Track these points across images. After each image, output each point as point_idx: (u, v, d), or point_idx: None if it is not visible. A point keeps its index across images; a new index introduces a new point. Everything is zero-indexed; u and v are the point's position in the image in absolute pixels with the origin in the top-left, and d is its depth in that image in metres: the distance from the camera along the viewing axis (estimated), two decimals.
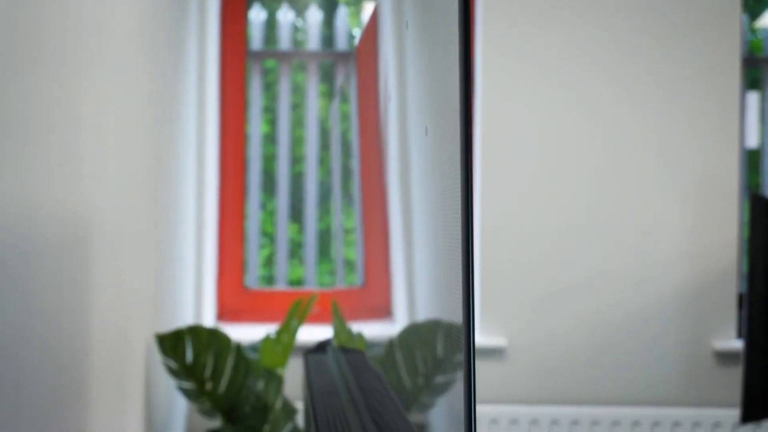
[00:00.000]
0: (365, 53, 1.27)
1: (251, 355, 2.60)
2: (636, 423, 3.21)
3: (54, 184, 1.36)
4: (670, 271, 3.26)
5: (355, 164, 1.61)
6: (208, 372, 2.46)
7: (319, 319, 2.94)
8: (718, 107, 3.27)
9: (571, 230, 3.28)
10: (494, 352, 3.26)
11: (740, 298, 3.21)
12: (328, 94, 3.52)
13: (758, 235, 2.79)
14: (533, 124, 3.28)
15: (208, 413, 2.53)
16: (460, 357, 0.51)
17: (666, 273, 3.26)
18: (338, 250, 3.47)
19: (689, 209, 3.25)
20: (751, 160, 3.52)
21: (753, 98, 3.46)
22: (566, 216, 3.28)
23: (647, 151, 3.28)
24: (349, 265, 3.55)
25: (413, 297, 1.10)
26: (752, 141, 3.46)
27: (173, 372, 2.44)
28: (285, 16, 3.52)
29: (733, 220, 3.24)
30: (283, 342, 2.68)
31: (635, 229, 3.27)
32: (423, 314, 0.91)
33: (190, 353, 2.43)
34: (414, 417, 0.85)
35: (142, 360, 2.27)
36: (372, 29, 1.19)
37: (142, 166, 2.27)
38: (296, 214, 3.54)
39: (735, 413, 3.08)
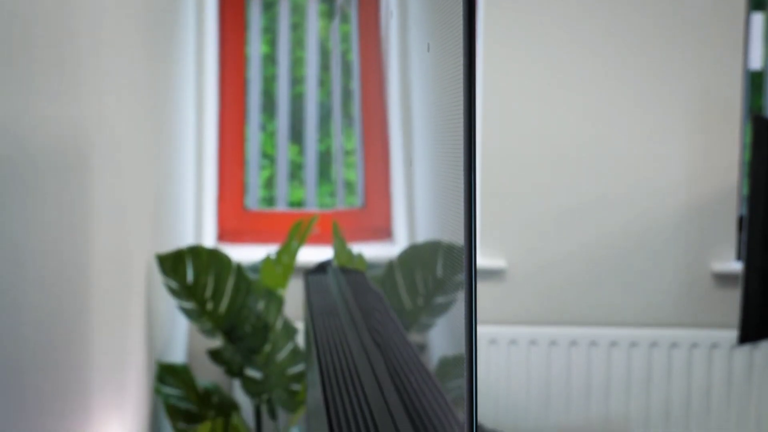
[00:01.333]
0: None
1: (251, 276, 2.61)
2: (633, 344, 3.23)
3: (53, 104, 1.35)
4: (670, 193, 3.26)
5: (356, 85, 1.60)
6: (208, 292, 2.47)
7: (319, 240, 2.95)
8: (721, 28, 3.24)
9: (571, 153, 3.27)
10: (493, 274, 3.28)
11: (740, 220, 3.22)
12: (328, 14, 3.48)
13: (760, 157, 2.78)
14: (537, 46, 3.25)
15: (208, 333, 2.55)
16: (460, 278, 0.51)
17: (666, 195, 3.26)
18: (338, 171, 3.47)
19: (690, 131, 3.24)
20: (754, 82, 3.49)
21: (758, 19, 3.42)
22: (567, 138, 3.27)
23: (649, 72, 3.26)
24: (349, 186, 3.55)
25: (413, 218, 1.10)
26: (756, 62, 3.43)
27: (174, 292, 2.46)
28: None
29: (735, 142, 3.23)
30: (284, 263, 2.69)
31: (636, 151, 3.26)
32: (423, 235, 0.91)
33: (190, 273, 2.44)
34: (413, 337, 0.86)
35: (143, 280, 2.28)
36: None
37: (141, 87, 2.25)
38: (296, 135, 3.53)
39: (732, 335, 3.10)
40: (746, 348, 3.19)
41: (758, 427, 3.23)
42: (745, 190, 2.99)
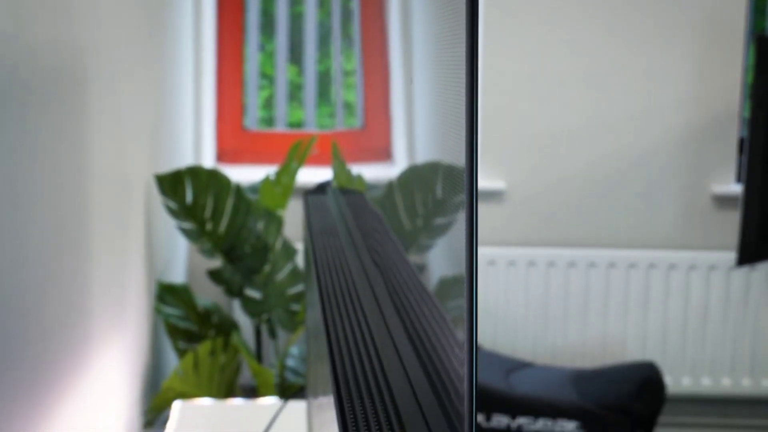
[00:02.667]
0: None
1: (251, 197, 2.61)
2: (632, 265, 3.25)
3: (50, 22, 1.33)
4: (671, 115, 3.24)
5: (355, 4, 1.58)
6: (208, 212, 2.47)
7: (318, 160, 2.94)
8: None
9: (572, 74, 3.24)
10: (493, 195, 3.28)
11: (740, 142, 3.21)
12: None
13: (763, 79, 2.76)
14: None
15: (208, 253, 2.56)
16: (460, 199, 0.51)
17: (667, 117, 3.24)
18: (338, 92, 3.45)
19: (693, 52, 3.21)
20: (758, 2, 3.45)
21: None
22: (568, 60, 3.24)
23: None
24: (349, 107, 3.53)
25: (413, 139, 1.09)
26: None
27: (173, 212, 2.46)
28: None
29: (737, 63, 3.20)
30: (283, 183, 2.69)
31: (637, 72, 3.24)
32: (423, 156, 0.91)
33: (189, 194, 2.44)
34: (413, 258, 0.86)
35: (142, 201, 2.28)
36: None
37: (139, 8, 2.22)
38: (296, 55, 3.50)
39: (731, 256, 3.12)
40: (744, 269, 3.21)
41: (754, 348, 3.26)
42: (746, 113, 2.97)
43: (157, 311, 2.44)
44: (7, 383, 1.10)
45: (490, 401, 2.75)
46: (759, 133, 2.73)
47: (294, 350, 2.64)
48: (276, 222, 2.56)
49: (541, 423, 2.73)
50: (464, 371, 0.41)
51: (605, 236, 3.29)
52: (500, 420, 2.75)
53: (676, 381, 3.26)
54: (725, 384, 3.28)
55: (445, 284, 0.56)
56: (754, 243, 2.76)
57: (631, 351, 3.27)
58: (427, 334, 0.57)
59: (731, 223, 3.06)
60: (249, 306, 2.64)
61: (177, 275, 2.90)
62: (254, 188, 2.82)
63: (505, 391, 2.79)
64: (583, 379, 2.88)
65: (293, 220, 2.96)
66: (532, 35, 3.24)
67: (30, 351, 1.20)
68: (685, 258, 3.25)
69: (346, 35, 3.35)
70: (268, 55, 3.49)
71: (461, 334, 0.42)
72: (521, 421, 2.74)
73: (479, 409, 2.92)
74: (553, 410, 2.73)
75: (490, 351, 3.10)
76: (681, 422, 3.33)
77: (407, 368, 0.60)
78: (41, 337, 1.26)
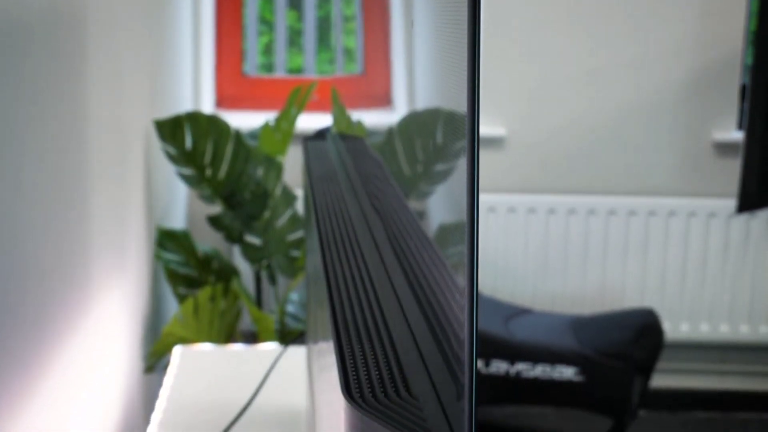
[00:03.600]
0: None
1: (250, 143, 2.61)
2: (632, 212, 3.25)
3: None
4: (672, 61, 3.22)
5: None
6: (207, 158, 2.47)
7: (318, 107, 2.92)
8: None
9: (573, 20, 3.22)
10: (493, 142, 3.27)
11: (742, 89, 3.19)
12: None
13: (766, 25, 2.73)
14: None
15: (208, 199, 2.56)
16: (460, 145, 0.50)
17: (668, 63, 3.22)
18: (338, 37, 3.42)
19: None
20: None
21: None
22: (569, 4, 3.21)
23: None
24: (349, 53, 3.49)
25: (413, 85, 1.09)
26: None
27: (172, 158, 2.45)
28: None
29: (741, 9, 3.17)
30: (283, 129, 2.68)
31: (639, 18, 3.21)
32: (423, 102, 0.90)
33: (189, 140, 2.43)
34: (412, 204, 0.86)
35: (141, 146, 2.27)
36: None
37: None
38: (295, 0, 3.46)
39: (730, 204, 3.11)
40: (743, 217, 3.21)
41: (752, 296, 3.27)
42: (749, 59, 2.95)
43: (157, 257, 2.44)
44: (7, 330, 1.10)
45: (489, 347, 2.77)
46: (761, 80, 2.71)
47: (294, 296, 2.65)
48: (275, 168, 2.55)
49: (539, 369, 2.75)
50: (464, 317, 0.41)
51: (605, 183, 3.29)
52: (499, 366, 2.77)
53: (675, 327, 3.28)
54: (723, 330, 3.30)
55: (445, 231, 0.56)
56: (754, 190, 2.76)
57: (630, 297, 3.28)
58: (426, 279, 0.57)
59: (731, 170, 3.05)
60: (249, 252, 2.64)
61: (177, 221, 2.90)
62: (254, 134, 2.81)
63: (504, 338, 2.81)
64: (581, 325, 2.89)
65: (293, 166, 2.96)
66: None
67: (29, 297, 1.20)
68: (685, 205, 3.24)
69: None
70: (268, 1, 3.46)
71: (461, 280, 0.42)
72: (520, 366, 2.76)
73: (478, 355, 2.94)
74: (552, 356, 2.75)
75: (489, 297, 3.11)
76: (679, 368, 3.35)
77: (407, 314, 0.60)
78: (41, 284, 1.27)
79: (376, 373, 0.51)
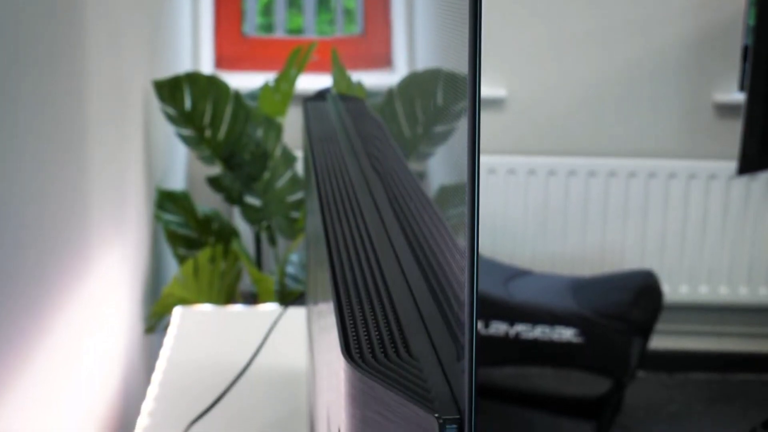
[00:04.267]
0: None
1: (250, 104, 2.60)
2: (632, 174, 3.24)
3: None
4: (674, 21, 3.20)
5: None
6: (206, 119, 2.46)
7: (318, 67, 2.91)
8: None
9: None
10: (493, 103, 3.26)
11: (745, 50, 3.17)
12: None
13: None
14: None
15: (207, 160, 2.55)
16: (461, 106, 0.50)
17: (670, 24, 3.20)
18: None
19: None
20: None
21: None
22: None
23: None
24: (349, 13, 3.47)
25: (413, 46, 1.08)
26: None
27: (172, 119, 2.44)
28: None
29: None
30: (282, 90, 2.67)
31: None
32: (423, 63, 0.90)
33: (188, 100, 2.42)
34: (412, 165, 0.86)
35: (141, 107, 2.26)
36: None
37: None
38: None
39: (731, 166, 3.11)
40: (744, 179, 3.20)
41: (751, 258, 3.28)
42: (751, 20, 2.93)
43: (157, 218, 2.44)
44: (5, 291, 1.10)
45: (489, 308, 2.77)
46: (763, 41, 2.70)
47: (294, 257, 2.65)
48: (275, 129, 2.54)
49: (539, 330, 2.76)
50: (465, 278, 0.41)
51: (605, 145, 3.28)
52: (498, 327, 2.78)
53: (674, 289, 3.28)
54: (722, 292, 3.30)
55: (446, 192, 0.55)
56: (754, 152, 2.75)
57: (630, 259, 3.28)
58: (427, 240, 0.57)
59: (733, 132, 3.04)
60: (248, 213, 2.64)
61: (176, 182, 2.89)
62: (253, 95, 2.80)
63: (504, 299, 2.81)
64: (581, 286, 2.90)
65: (293, 127, 2.95)
66: None
67: (28, 258, 1.20)
68: (686, 167, 3.24)
69: None
70: None
71: (462, 242, 0.42)
72: (519, 328, 2.77)
73: (477, 317, 2.94)
74: (551, 317, 2.76)
75: (488, 259, 3.12)
76: (678, 330, 3.36)
77: (407, 275, 0.60)
78: (40, 244, 1.26)
79: (376, 333, 0.51)
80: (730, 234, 3.26)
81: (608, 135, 3.28)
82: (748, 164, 2.78)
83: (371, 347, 0.50)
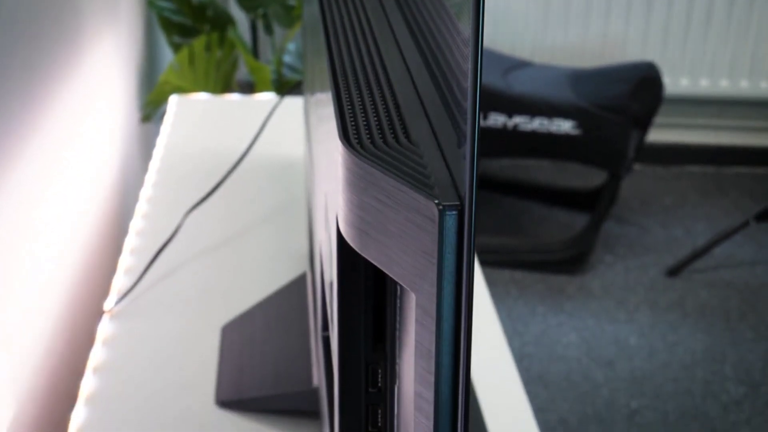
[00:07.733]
0: None
1: None
2: None
3: None
4: None
5: None
6: None
7: None
8: None
9: None
10: None
11: None
12: None
13: None
14: None
15: None
16: None
17: None
18: None
19: None
20: None
21: None
22: None
23: None
24: None
25: None
26: None
27: None
28: None
29: None
30: None
31: None
32: None
33: None
34: None
35: None
36: None
37: None
38: None
39: None
40: None
41: (754, 50, 3.23)
42: None
43: (150, 4, 2.39)
44: None
45: (487, 100, 2.76)
46: None
47: (291, 46, 2.61)
48: None
49: (537, 122, 2.75)
50: (468, 66, 0.40)
51: None
52: (497, 119, 2.77)
53: (675, 81, 3.26)
54: (723, 85, 3.28)
55: None
56: None
57: (631, 51, 3.24)
58: (428, 27, 0.55)
59: None
60: (244, 0, 2.58)
61: None
62: None
63: (503, 90, 2.79)
64: (581, 78, 2.87)
65: None
66: None
67: (18, 46, 1.18)
68: None
69: None
70: None
71: (465, 30, 0.40)
72: (518, 119, 2.76)
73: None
74: (550, 109, 2.74)
75: (488, 49, 3.07)
76: (676, 123, 3.36)
77: (408, 62, 0.58)
78: (30, 30, 1.24)
79: (375, 119, 0.50)
80: (734, 26, 3.21)
81: None
82: None
83: (370, 133, 0.49)
